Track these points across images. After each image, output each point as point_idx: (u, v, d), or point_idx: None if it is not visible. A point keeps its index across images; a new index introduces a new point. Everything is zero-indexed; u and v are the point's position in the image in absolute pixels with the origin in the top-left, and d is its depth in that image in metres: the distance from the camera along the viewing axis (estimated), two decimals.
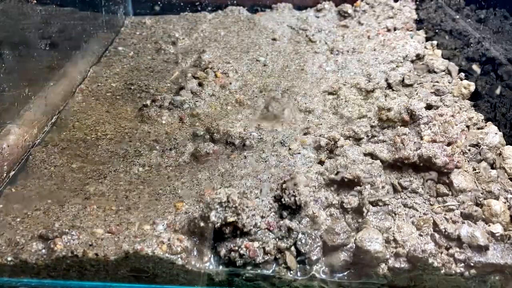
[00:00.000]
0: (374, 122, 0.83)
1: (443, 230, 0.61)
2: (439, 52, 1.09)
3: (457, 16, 1.10)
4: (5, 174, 0.75)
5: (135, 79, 1.06)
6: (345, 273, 0.61)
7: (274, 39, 1.23)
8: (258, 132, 0.82)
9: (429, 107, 0.86)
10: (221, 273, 0.60)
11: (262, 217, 0.62)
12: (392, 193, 0.69)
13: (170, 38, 1.24)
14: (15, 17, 0.85)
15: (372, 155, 0.74)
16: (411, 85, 0.96)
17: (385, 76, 0.98)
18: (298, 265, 0.61)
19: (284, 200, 0.63)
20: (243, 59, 1.12)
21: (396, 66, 1.02)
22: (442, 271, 0.59)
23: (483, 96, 0.89)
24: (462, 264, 0.59)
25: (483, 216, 0.64)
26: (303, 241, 0.61)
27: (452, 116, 0.79)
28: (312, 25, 1.27)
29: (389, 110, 0.83)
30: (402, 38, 1.13)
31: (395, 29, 1.20)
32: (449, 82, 0.96)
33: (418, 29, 1.21)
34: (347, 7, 1.31)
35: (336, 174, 0.70)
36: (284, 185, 0.65)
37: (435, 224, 0.63)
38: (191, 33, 1.26)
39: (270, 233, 0.61)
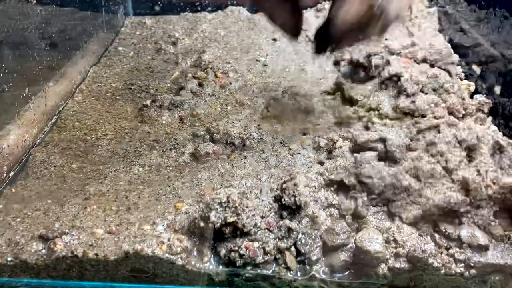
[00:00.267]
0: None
1: (443, 230, 0.61)
2: None
3: None
4: (5, 174, 0.76)
5: (135, 79, 1.06)
6: (345, 273, 0.61)
7: (274, 39, 1.23)
8: (258, 132, 0.82)
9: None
10: (221, 273, 0.60)
11: (262, 217, 0.62)
12: None
13: (170, 38, 1.24)
14: (15, 17, 0.85)
15: None
16: None
17: None
18: (298, 265, 0.61)
19: (284, 200, 0.63)
20: (243, 59, 1.12)
21: None
22: (442, 271, 0.59)
23: None
24: (462, 264, 0.59)
25: None
26: (303, 241, 0.61)
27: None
28: (312, 25, 1.27)
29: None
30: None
31: None
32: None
33: None
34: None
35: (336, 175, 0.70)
36: (284, 185, 0.65)
37: (435, 224, 0.63)
38: (191, 33, 1.27)
39: (270, 233, 0.61)
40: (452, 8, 1.26)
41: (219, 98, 0.96)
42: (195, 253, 0.61)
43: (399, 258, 0.60)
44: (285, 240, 0.61)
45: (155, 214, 0.66)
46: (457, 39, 1.12)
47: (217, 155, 0.79)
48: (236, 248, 0.59)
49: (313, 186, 0.69)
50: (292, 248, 0.61)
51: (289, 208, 0.64)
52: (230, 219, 0.59)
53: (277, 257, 0.60)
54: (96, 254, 0.59)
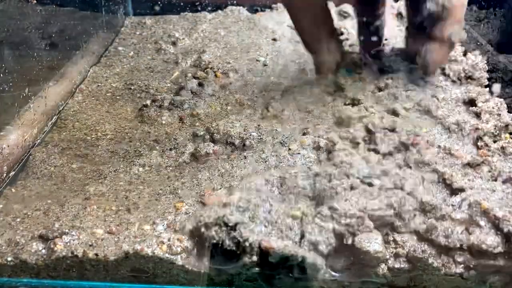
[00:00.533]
0: None
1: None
2: None
3: None
4: (5, 174, 0.76)
5: (135, 79, 1.06)
6: (345, 273, 0.61)
7: (274, 39, 1.23)
8: (258, 132, 0.82)
9: None
10: (221, 273, 0.60)
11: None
12: None
13: (170, 38, 1.24)
14: (15, 17, 0.86)
15: None
16: None
17: None
18: None
19: None
20: (243, 59, 1.12)
21: None
22: (442, 272, 0.59)
23: None
24: (462, 265, 0.59)
25: None
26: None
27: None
28: None
29: None
30: None
31: None
32: None
33: None
34: (347, 7, 1.31)
35: None
36: None
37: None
38: (191, 33, 1.27)
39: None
40: None
41: (219, 98, 0.96)
42: (195, 253, 0.61)
43: (399, 258, 0.60)
44: None
45: (155, 214, 0.66)
46: None
47: (217, 155, 0.79)
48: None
49: None
50: None
51: None
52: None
53: None
54: (96, 254, 0.59)
